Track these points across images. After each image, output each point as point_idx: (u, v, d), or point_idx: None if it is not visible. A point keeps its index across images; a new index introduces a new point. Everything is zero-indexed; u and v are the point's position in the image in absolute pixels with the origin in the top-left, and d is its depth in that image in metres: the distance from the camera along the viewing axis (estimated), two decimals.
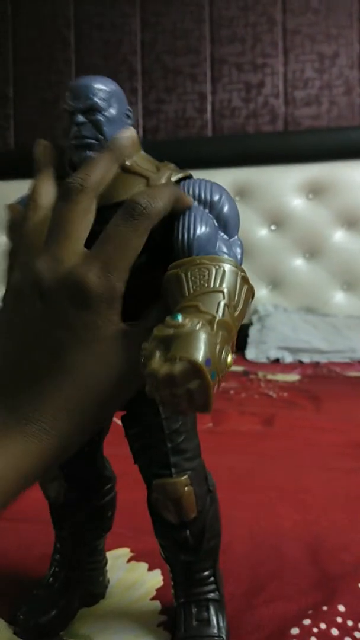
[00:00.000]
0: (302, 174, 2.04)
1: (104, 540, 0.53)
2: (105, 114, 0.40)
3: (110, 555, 0.57)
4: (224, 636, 0.45)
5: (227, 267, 0.35)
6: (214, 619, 0.45)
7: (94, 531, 0.51)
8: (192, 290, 0.34)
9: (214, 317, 0.32)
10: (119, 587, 0.55)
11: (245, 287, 0.35)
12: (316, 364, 1.80)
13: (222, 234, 0.38)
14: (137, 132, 0.41)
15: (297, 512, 0.70)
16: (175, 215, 0.37)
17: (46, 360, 0.34)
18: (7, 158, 2.36)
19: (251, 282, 0.36)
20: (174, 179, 0.39)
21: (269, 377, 1.62)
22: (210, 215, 0.38)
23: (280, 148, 2.04)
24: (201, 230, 0.36)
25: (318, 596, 0.52)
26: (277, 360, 1.87)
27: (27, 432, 0.33)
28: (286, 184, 2.05)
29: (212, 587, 0.46)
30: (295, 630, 0.47)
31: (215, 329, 0.31)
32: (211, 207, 0.38)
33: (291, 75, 2.14)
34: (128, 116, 0.41)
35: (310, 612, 0.49)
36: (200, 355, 0.30)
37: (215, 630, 0.45)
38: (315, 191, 2.05)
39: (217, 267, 0.34)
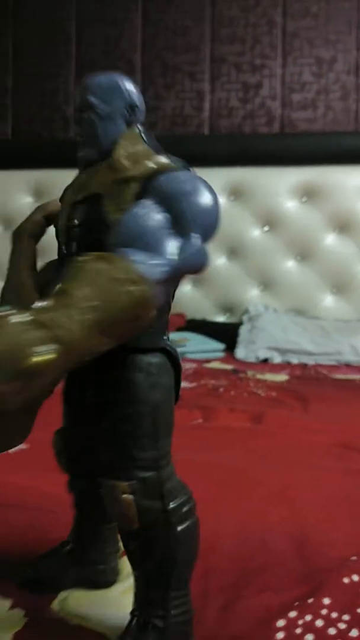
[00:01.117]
0: (297, 177, 2.06)
1: (111, 530, 0.53)
2: (99, 111, 0.40)
3: None
4: None
5: (96, 268, 0.33)
6: None
7: (94, 514, 0.51)
8: (55, 289, 0.34)
9: (34, 317, 0.32)
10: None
11: (117, 290, 0.33)
12: (304, 366, 1.82)
13: (168, 231, 0.36)
14: (138, 125, 0.41)
15: (285, 509, 0.71)
16: None
17: None
18: (4, 148, 2.35)
19: (144, 286, 0.34)
20: (145, 173, 0.38)
21: (258, 376, 1.64)
22: (159, 210, 0.37)
23: (275, 150, 2.06)
24: (128, 223, 0.36)
25: (304, 589, 0.53)
26: (265, 360, 1.89)
27: None
28: (280, 185, 2.06)
29: (159, 612, 0.43)
30: (281, 622, 0.48)
31: (24, 327, 0.31)
32: (168, 202, 0.37)
33: (289, 77, 2.16)
34: (132, 110, 0.41)
35: (296, 604, 0.51)
36: None
37: None
38: (308, 194, 2.07)
39: (88, 263, 0.34)
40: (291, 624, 0.48)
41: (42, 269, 0.47)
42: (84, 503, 0.52)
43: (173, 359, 0.43)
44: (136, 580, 0.45)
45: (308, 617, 0.49)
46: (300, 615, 0.49)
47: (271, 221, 2.10)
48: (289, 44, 2.14)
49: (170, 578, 0.43)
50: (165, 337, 0.42)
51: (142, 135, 0.41)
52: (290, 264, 2.11)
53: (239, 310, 2.15)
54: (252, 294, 2.15)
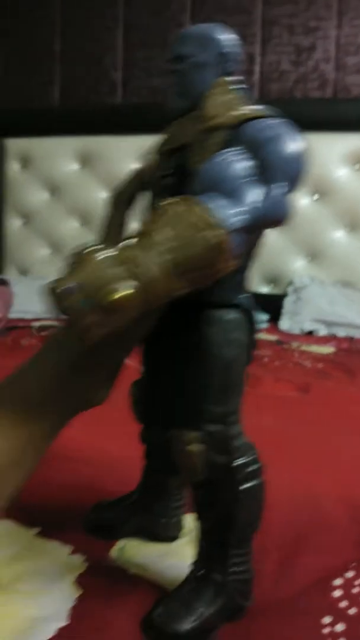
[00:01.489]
0: (349, 143, 1.99)
1: (175, 485, 0.54)
2: (191, 61, 0.40)
3: None
4: (203, 615, 0.42)
5: (177, 211, 0.34)
6: (204, 596, 0.43)
7: (161, 466, 0.52)
8: (137, 231, 0.35)
9: (118, 254, 0.33)
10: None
11: (194, 235, 0.33)
12: (351, 339, 1.79)
13: (251, 178, 0.35)
14: (234, 72, 0.40)
15: (336, 475, 0.71)
16: None
17: None
18: (51, 114, 2.35)
19: (218, 233, 0.33)
20: (233, 120, 0.38)
21: (303, 348, 1.62)
22: (245, 157, 0.35)
23: (328, 115, 1.99)
24: (210, 169, 0.36)
25: (359, 552, 0.53)
26: (310, 333, 1.86)
27: None
28: (332, 152, 2.00)
29: (218, 567, 0.44)
30: (338, 581, 0.49)
31: (108, 264, 0.32)
32: (255, 149, 0.36)
33: (344, 40, 2.07)
34: (225, 60, 0.40)
35: (353, 564, 0.51)
36: (68, 280, 0.33)
37: (200, 606, 0.42)
38: None
39: (169, 209, 0.34)
40: (348, 584, 0.48)
41: None
42: (154, 454, 0.53)
43: (249, 316, 0.42)
44: (200, 533, 0.45)
45: None
46: (358, 576, 0.49)
47: (321, 189, 2.05)
48: (345, 3, 2.05)
49: (230, 535, 0.43)
50: (243, 295, 0.42)
51: (233, 84, 0.40)
52: (340, 235, 2.06)
53: (283, 282, 2.11)
54: (298, 265, 2.11)
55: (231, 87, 0.40)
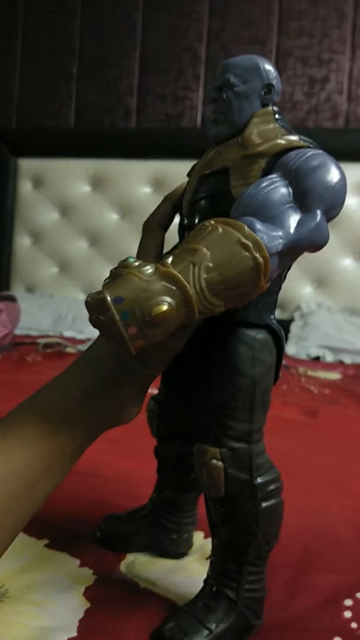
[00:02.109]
0: (359, 173, 2.02)
1: (189, 501, 0.54)
2: (237, 89, 0.41)
3: None
4: (213, 632, 0.42)
5: (223, 230, 0.34)
6: (217, 611, 0.43)
7: (175, 482, 0.53)
8: (181, 246, 0.36)
9: (161, 267, 0.33)
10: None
11: (240, 254, 0.33)
12: (358, 366, 1.79)
13: (291, 205, 0.36)
14: (272, 104, 0.42)
15: (346, 498, 0.71)
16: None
17: None
18: (65, 136, 2.39)
19: (262, 256, 0.34)
20: (275, 149, 0.38)
21: (310, 373, 1.62)
22: (285, 184, 0.36)
23: (339, 145, 2.00)
24: (252, 194, 0.36)
25: None
26: (317, 358, 1.86)
27: None
28: None
29: (232, 584, 0.43)
30: (348, 602, 0.48)
31: (153, 277, 0.33)
32: (294, 176, 0.37)
33: (357, 72, 2.11)
34: (269, 90, 0.41)
35: None
36: (113, 291, 0.33)
37: (212, 623, 0.42)
38: None
39: (214, 227, 0.35)
40: (359, 604, 0.47)
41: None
42: (168, 470, 0.53)
43: (277, 337, 0.43)
44: (214, 548, 0.45)
45: None
46: None
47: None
48: (359, 37, 2.10)
49: (248, 552, 0.43)
50: (272, 316, 0.43)
51: (276, 114, 0.41)
52: (348, 262, 2.07)
53: (290, 307, 2.12)
54: (306, 291, 2.12)
55: (273, 117, 0.41)
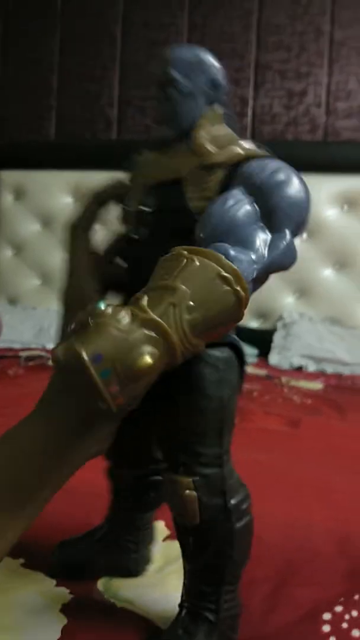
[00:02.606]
0: (339, 185, 2.04)
1: (147, 519, 0.52)
2: (180, 87, 0.38)
3: None
4: None
5: (200, 263, 0.31)
6: (198, 636, 0.42)
7: (132, 503, 0.51)
8: (154, 280, 0.32)
9: (140, 313, 0.30)
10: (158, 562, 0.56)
11: (221, 289, 0.31)
12: (339, 375, 1.80)
13: (258, 224, 0.34)
14: (223, 104, 0.39)
15: (328, 509, 0.71)
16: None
17: None
18: (46, 148, 2.39)
19: (244, 288, 0.31)
20: (233, 160, 0.37)
21: (292, 383, 1.63)
22: (249, 201, 0.34)
23: (318, 157, 2.04)
24: (219, 214, 0.34)
25: (348, 586, 0.53)
26: (299, 368, 1.87)
27: None
28: (321, 193, 2.05)
29: (211, 606, 0.42)
30: (327, 616, 0.48)
31: (132, 326, 0.29)
32: (259, 193, 0.35)
33: (334, 86, 2.15)
34: (215, 86, 0.39)
35: (341, 599, 0.50)
36: (90, 348, 0.28)
37: None
38: (350, 203, 2.05)
39: (189, 260, 0.32)
40: (337, 618, 0.47)
41: (106, 254, 0.45)
42: (123, 491, 0.51)
43: (239, 353, 0.41)
44: (188, 573, 0.44)
45: (354, 613, 0.48)
46: (346, 610, 0.48)
47: (310, 229, 2.09)
48: (336, 51, 2.13)
49: (225, 573, 0.42)
50: (232, 333, 0.41)
51: (224, 116, 0.39)
52: (328, 273, 2.09)
53: (272, 317, 2.13)
54: (287, 302, 2.13)
55: (221, 119, 0.39)
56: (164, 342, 0.30)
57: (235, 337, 0.41)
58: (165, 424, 0.41)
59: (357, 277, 2.05)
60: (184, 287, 0.31)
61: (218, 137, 0.38)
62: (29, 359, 1.69)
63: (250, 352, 1.96)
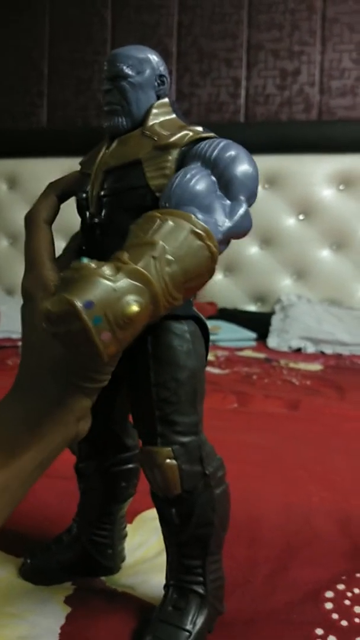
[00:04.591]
0: (334, 165, 2.03)
1: (119, 513, 0.52)
2: (131, 80, 0.41)
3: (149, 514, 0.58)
4: (193, 632, 0.42)
5: (174, 222, 0.34)
6: (191, 611, 0.42)
7: (104, 496, 0.51)
8: (131, 240, 0.34)
9: (123, 265, 0.32)
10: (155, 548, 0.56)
11: (195, 244, 0.34)
12: (339, 356, 1.80)
13: (217, 194, 0.37)
14: (169, 96, 0.42)
15: (326, 490, 0.71)
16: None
17: None
18: (38, 136, 2.37)
19: (212, 244, 0.34)
20: (186, 140, 0.39)
21: (291, 365, 1.63)
22: (207, 173, 0.37)
23: (313, 137, 2.03)
24: (181, 185, 0.36)
25: (350, 565, 0.53)
26: (298, 350, 1.87)
27: None
28: (317, 173, 2.04)
29: (199, 579, 0.43)
30: (329, 594, 0.48)
31: (118, 276, 0.31)
32: (214, 165, 0.38)
33: (328, 64, 2.12)
34: (162, 82, 0.42)
35: (343, 577, 0.51)
36: (80, 296, 0.30)
37: (188, 623, 0.42)
38: (346, 182, 2.04)
39: (163, 220, 0.34)
40: (340, 596, 0.48)
41: (67, 247, 0.46)
42: (92, 485, 0.51)
43: (204, 327, 0.43)
44: (170, 551, 0.45)
45: (356, 590, 0.49)
46: (349, 588, 0.49)
47: (307, 210, 2.08)
48: (329, 29, 2.11)
49: (209, 543, 0.43)
50: (193, 307, 0.43)
51: (172, 106, 0.42)
52: (325, 254, 2.09)
53: (270, 300, 2.13)
54: (285, 284, 2.13)
55: (171, 109, 0.42)
56: (149, 291, 0.32)
57: (197, 311, 0.43)
58: (138, 401, 0.42)
59: (355, 257, 2.05)
60: (161, 242, 0.33)
61: (169, 123, 0.41)
62: None
63: (248, 335, 1.96)
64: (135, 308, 0.31)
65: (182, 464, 0.41)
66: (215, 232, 0.35)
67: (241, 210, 0.37)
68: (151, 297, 0.32)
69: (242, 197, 0.38)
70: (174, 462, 0.41)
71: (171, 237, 0.33)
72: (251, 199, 0.39)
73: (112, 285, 0.31)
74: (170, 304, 0.33)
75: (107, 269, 0.31)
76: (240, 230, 0.38)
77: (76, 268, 0.32)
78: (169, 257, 0.33)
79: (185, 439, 0.41)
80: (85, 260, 0.32)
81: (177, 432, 0.41)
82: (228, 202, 0.38)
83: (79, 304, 0.30)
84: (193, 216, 0.34)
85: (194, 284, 0.34)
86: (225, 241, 0.37)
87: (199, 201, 0.36)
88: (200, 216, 0.35)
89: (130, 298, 0.31)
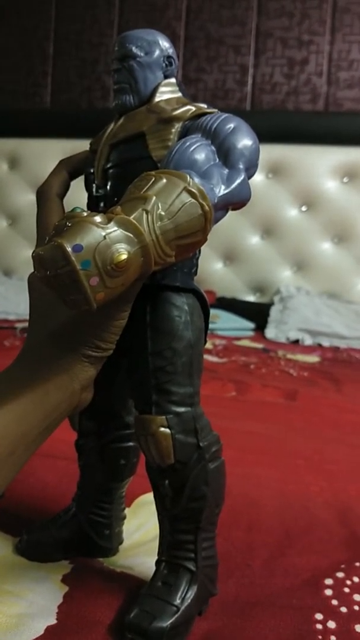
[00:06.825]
0: (339, 157, 2.02)
1: (118, 492, 0.52)
2: (139, 60, 0.43)
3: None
4: (182, 607, 0.41)
5: (168, 180, 0.34)
6: (180, 586, 0.42)
7: (103, 474, 0.51)
8: (125, 197, 0.35)
9: (114, 215, 0.32)
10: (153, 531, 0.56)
11: (188, 202, 0.34)
12: (336, 349, 1.80)
13: (216, 162, 0.38)
14: (177, 76, 0.44)
15: (324, 480, 0.71)
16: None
17: None
18: (42, 117, 2.35)
19: (207, 204, 0.34)
20: (189, 114, 0.40)
21: (289, 356, 1.63)
22: (207, 143, 0.38)
23: (318, 128, 2.01)
24: (180, 151, 0.37)
25: (349, 553, 0.53)
26: (296, 342, 1.87)
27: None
28: (321, 165, 2.03)
29: (190, 555, 0.43)
30: (329, 581, 0.48)
31: (109, 225, 0.31)
32: (214, 136, 0.38)
33: (336, 55, 2.10)
34: (169, 63, 0.43)
35: (342, 566, 0.51)
36: (70, 240, 0.30)
37: (176, 599, 0.42)
38: (350, 175, 2.02)
39: (157, 177, 0.35)
40: (339, 583, 0.48)
41: None
42: (91, 462, 0.51)
43: (203, 302, 0.43)
44: (163, 525, 0.45)
45: (356, 579, 0.49)
46: (348, 577, 0.49)
47: (310, 201, 2.07)
48: (339, 19, 2.08)
49: (201, 517, 0.43)
50: (194, 282, 0.43)
51: (179, 86, 0.43)
52: (327, 246, 2.08)
53: (269, 291, 2.12)
54: (284, 275, 2.13)
55: (177, 88, 0.43)
56: (139, 242, 0.32)
57: (197, 286, 0.44)
58: (135, 370, 0.43)
59: (356, 251, 2.05)
60: (155, 197, 0.33)
61: (174, 100, 0.42)
62: (24, 330, 1.69)
63: (246, 325, 1.96)
64: (124, 256, 0.31)
65: (176, 434, 0.41)
66: (212, 196, 0.35)
67: (239, 179, 0.38)
68: (141, 247, 0.32)
69: (240, 166, 0.38)
70: (167, 430, 0.41)
71: (164, 193, 0.34)
72: (250, 169, 0.39)
73: (102, 233, 0.31)
74: (162, 259, 0.34)
75: (98, 218, 0.32)
76: (238, 198, 0.38)
77: (69, 216, 0.32)
78: (161, 212, 0.33)
79: (179, 409, 0.42)
80: (78, 209, 0.32)
81: (172, 402, 0.42)
82: (226, 170, 0.38)
83: (67, 246, 0.30)
84: (188, 176, 0.35)
85: (186, 242, 0.34)
86: (222, 207, 0.37)
87: (197, 168, 0.37)
88: (196, 179, 0.35)
89: (120, 246, 0.31)
